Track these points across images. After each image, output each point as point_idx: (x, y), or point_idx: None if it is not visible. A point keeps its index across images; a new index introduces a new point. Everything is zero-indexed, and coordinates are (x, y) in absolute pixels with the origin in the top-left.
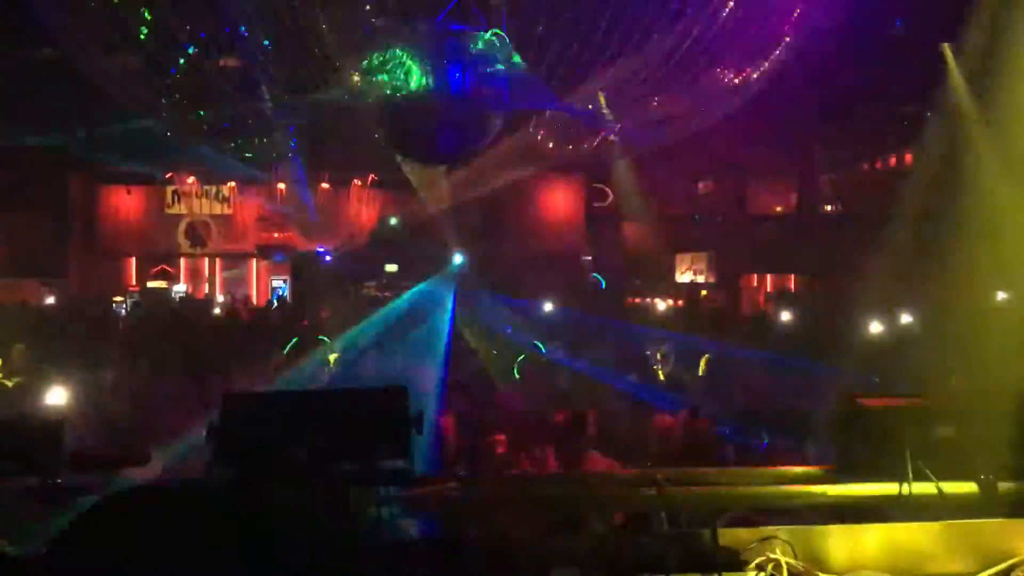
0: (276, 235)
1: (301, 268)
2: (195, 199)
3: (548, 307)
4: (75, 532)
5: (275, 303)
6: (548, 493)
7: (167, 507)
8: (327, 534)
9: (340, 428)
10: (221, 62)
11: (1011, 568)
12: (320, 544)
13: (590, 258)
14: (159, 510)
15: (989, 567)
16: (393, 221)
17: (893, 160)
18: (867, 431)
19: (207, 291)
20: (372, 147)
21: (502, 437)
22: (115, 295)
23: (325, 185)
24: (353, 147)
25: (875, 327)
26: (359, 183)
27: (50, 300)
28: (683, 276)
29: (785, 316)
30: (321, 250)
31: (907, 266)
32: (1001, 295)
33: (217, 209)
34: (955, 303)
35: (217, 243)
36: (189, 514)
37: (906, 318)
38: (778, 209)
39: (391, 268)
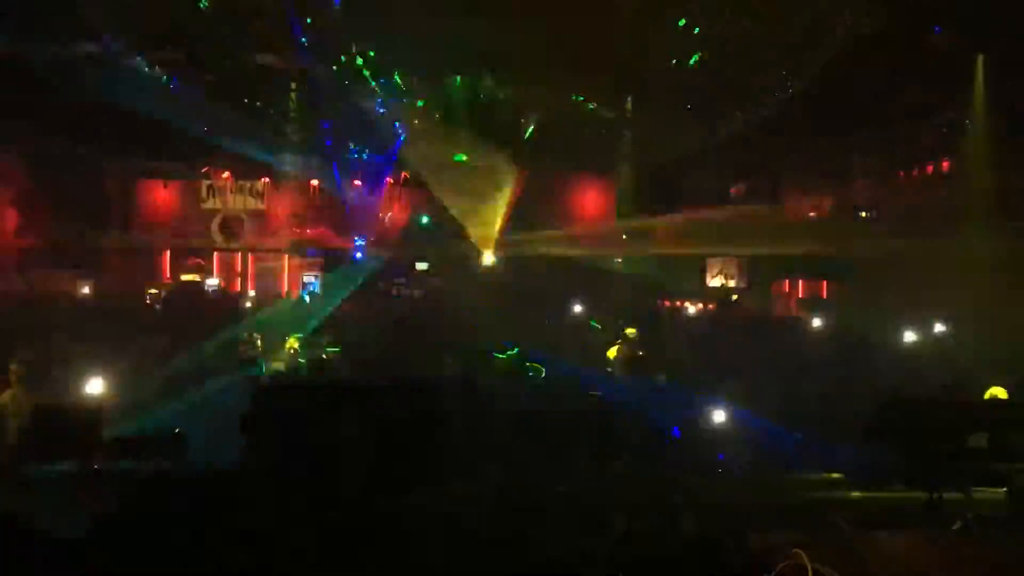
0: (308, 231)
1: (332, 264)
2: (229, 194)
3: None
4: (112, 517)
5: (307, 299)
6: (578, 494)
7: (199, 495)
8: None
9: (370, 421)
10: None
11: None
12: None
13: (620, 260)
14: (191, 498)
15: None
16: (425, 219)
17: (930, 167)
18: (900, 437)
19: (240, 285)
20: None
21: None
22: (150, 287)
23: (358, 182)
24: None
25: (909, 335)
26: (391, 181)
27: (85, 291)
28: (714, 280)
29: (816, 322)
30: (354, 245)
31: (942, 274)
32: None
33: (251, 204)
34: (990, 314)
35: (250, 238)
36: (220, 503)
37: (939, 327)
38: (812, 214)
39: (421, 266)
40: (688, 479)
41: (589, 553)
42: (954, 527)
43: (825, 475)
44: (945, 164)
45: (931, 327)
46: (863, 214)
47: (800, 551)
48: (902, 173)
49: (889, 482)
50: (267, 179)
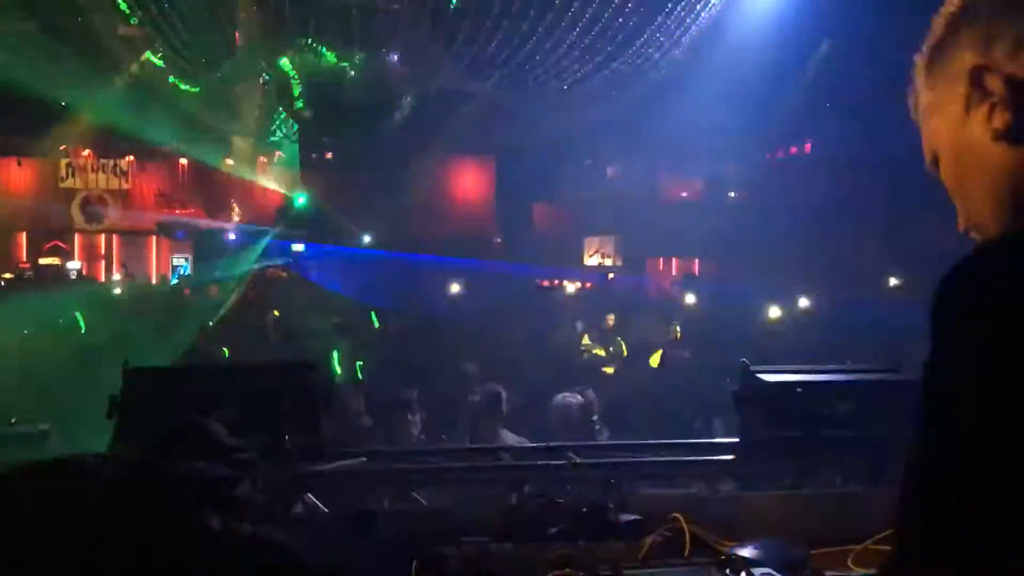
0: (177, 212)
1: (203, 247)
2: (91, 173)
3: (455, 289)
4: None
5: (176, 282)
6: (462, 467)
7: (64, 485)
8: (231, 509)
9: (249, 404)
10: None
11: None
12: (224, 521)
13: (500, 240)
14: (55, 488)
15: (876, 535)
16: (301, 200)
17: (794, 149)
18: (766, 404)
19: (103, 269)
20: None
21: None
22: (4, 272)
23: (230, 161)
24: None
25: (774, 311)
26: (265, 160)
27: None
28: (591, 259)
29: (690, 299)
30: (227, 227)
31: (806, 251)
32: (894, 281)
33: (114, 184)
34: (851, 288)
35: (114, 219)
36: (88, 493)
37: (804, 302)
38: (684, 195)
39: (297, 248)
40: (572, 449)
41: (476, 522)
42: (817, 489)
43: (703, 441)
44: (808, 146)
45: (796, 302)
46: (731, 195)
47: (679, 514)
48: (769, 155)
49: (758, 447)
50: (132, 157)
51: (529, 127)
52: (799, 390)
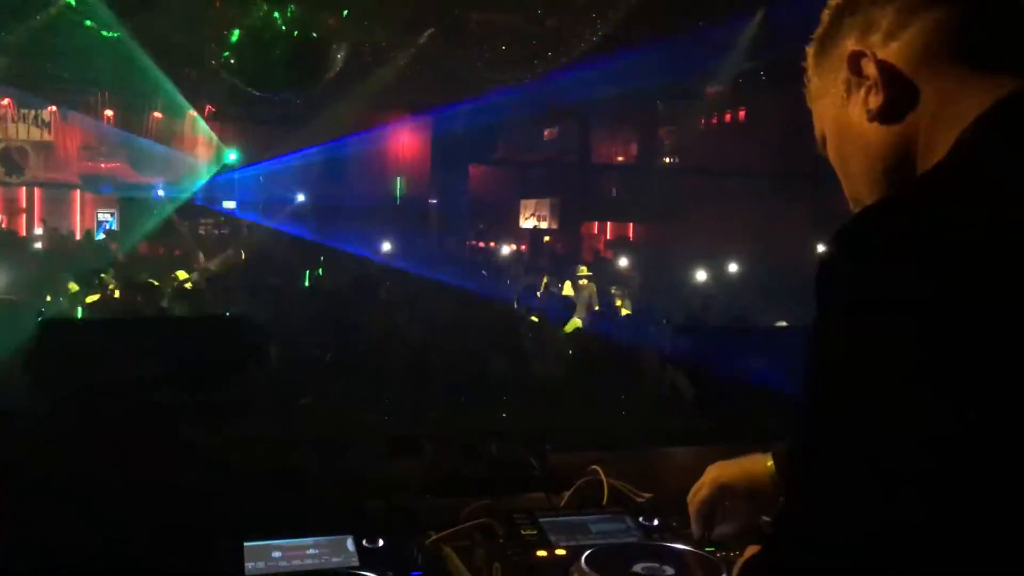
0: (103, 165)
1: (130, 202)
2: (11, 123)
3: (386, 248)
4: None
5: (102, 237)
6: (387, 422)
7: None
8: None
9: (169, 357)
10: None
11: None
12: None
13: (435, 201)
14: None
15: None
16: (233, 156)
17: (728, 116)
18: (691, 363)
19: (24, 222)
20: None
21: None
22: None
23: (158, 114)
24: (191, 75)
25: (700, 274)
26: (194, 115)
27: None
28: (527, 222)
29: (623, 262)
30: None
31: (738, 216)
32: (821, 247)
33: (36, 135)
34: (779, 252)
35: (36, 172)
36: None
37: (733, 266)
38: (620, 159)
39: (229, 205)
40: (493, 408)
41: (401, 477)
42: (728, 443)
43: (623, 398)
44: (742, 114)
45: (725, 265)
46: (666, 160)
47: (597, 467)
48: (703, 121)
49: (681, 403)
50: (54, 107)
51: (466, 87)
52: (720, 347)
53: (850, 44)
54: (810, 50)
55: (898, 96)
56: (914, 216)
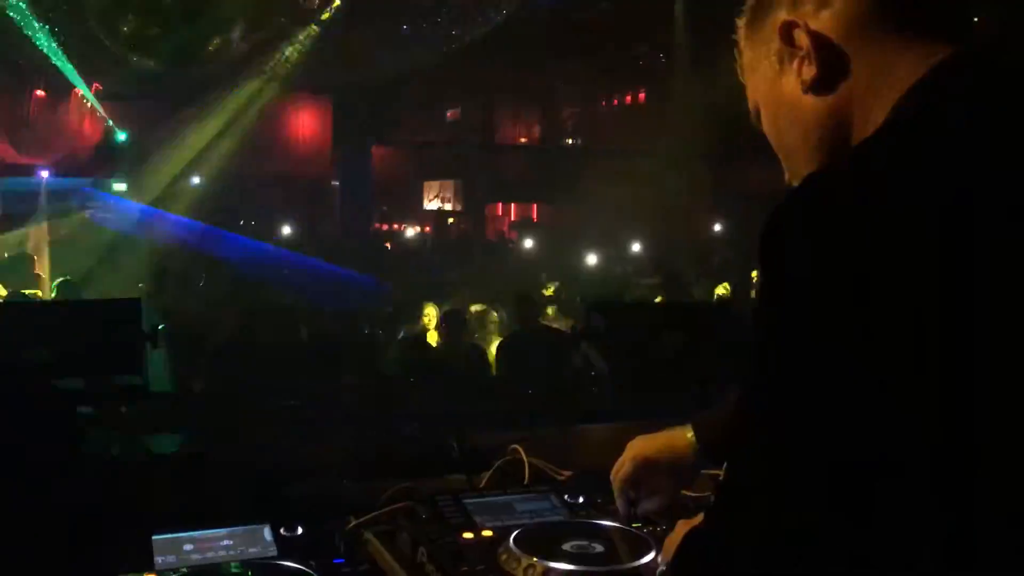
0: None
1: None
2: None
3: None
4: None
5: None
6: (298, 407)
7: None
8: (47, 451)
9: (64, 342)
10: None
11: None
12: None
13: (337, 183)
14: None
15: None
16: (122, 136)
17: (628, 98)
18: (605, 339)
19: None
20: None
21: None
22: None
23: (40, 93)
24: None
25: (607, 253)
26: (80, 92)
27: None
28: (431, 203)
29: (528, 243)
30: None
31: (640, 196)
32: (717, 227)
33: None
34: (680, 232)
35: None
36: None
37: (636, 246)
38: (523, 140)
39: (120, 187)
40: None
41: (319, 462)
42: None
43: (543, 380)
44: (642, 95)
45: (629, 244)
46: (569, 141)
47: (518, 447)
48: (604, 103)
49: (597, 381)
50: None
51: (368, 65)
52: (632, 324)
53: (782, 15)
54: (741, 22)
55: (832, 66)
56: (852, 185)
